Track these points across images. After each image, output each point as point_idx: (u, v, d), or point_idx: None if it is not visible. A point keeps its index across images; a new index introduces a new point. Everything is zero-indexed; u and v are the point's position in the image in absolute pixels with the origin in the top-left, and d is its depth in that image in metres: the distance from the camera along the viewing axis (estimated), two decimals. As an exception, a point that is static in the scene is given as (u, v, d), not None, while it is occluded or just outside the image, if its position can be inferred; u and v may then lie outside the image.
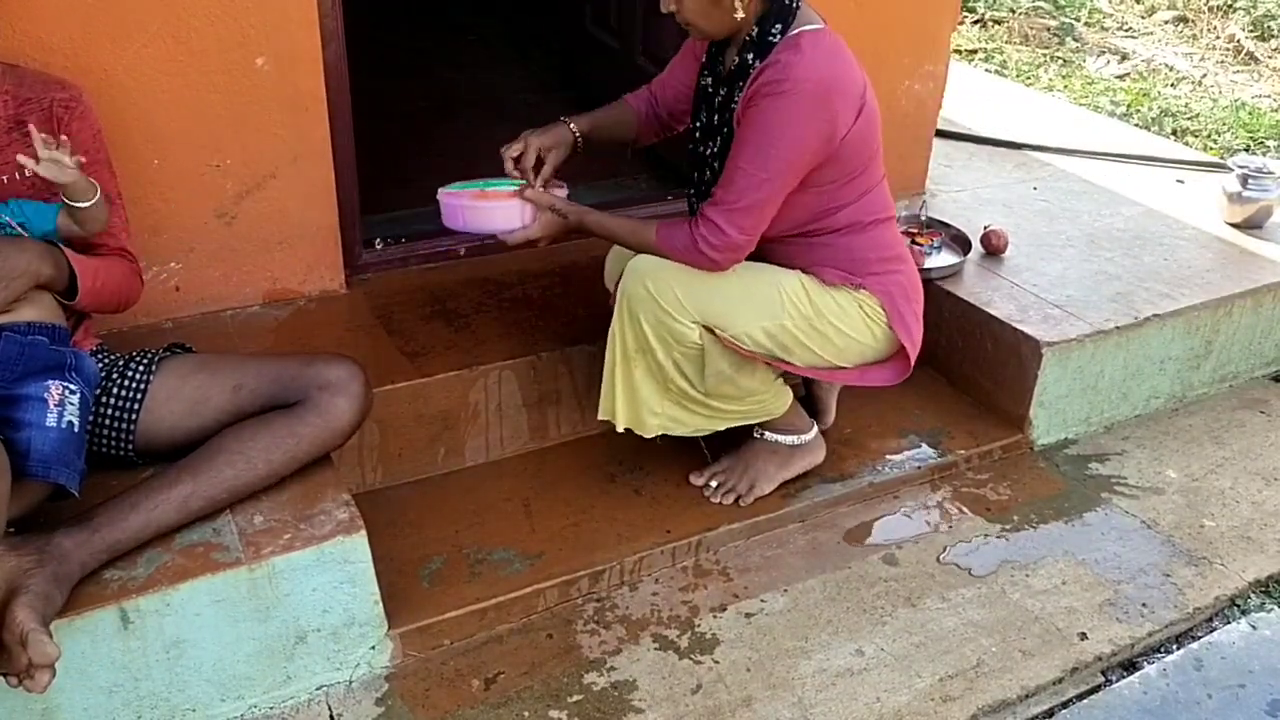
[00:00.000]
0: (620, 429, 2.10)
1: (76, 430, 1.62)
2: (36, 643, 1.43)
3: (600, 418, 2.11)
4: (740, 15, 1.89)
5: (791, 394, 2.22)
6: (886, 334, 2.08)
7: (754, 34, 1.91)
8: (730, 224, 1.89)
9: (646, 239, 1.99)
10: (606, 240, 2.12)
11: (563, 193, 2.11)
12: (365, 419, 1.85)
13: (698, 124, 2.10)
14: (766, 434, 2.24)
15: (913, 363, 2.11)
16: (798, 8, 1.91)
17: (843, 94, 1.87)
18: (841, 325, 2.03)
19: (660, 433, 2.11)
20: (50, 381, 1.61)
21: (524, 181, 2.14)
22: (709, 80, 2.07)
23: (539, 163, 2.09)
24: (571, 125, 2.15)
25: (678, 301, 1.95)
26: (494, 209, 2.04)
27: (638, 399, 2.06)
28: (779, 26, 1.89)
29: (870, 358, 2.11)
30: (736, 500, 2.21)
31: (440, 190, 2.12)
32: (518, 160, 2.08)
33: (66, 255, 1.72)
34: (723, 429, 2.17)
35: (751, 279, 2.00)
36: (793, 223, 1.99)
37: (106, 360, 1.84)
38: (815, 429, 2.29)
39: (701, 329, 1.97)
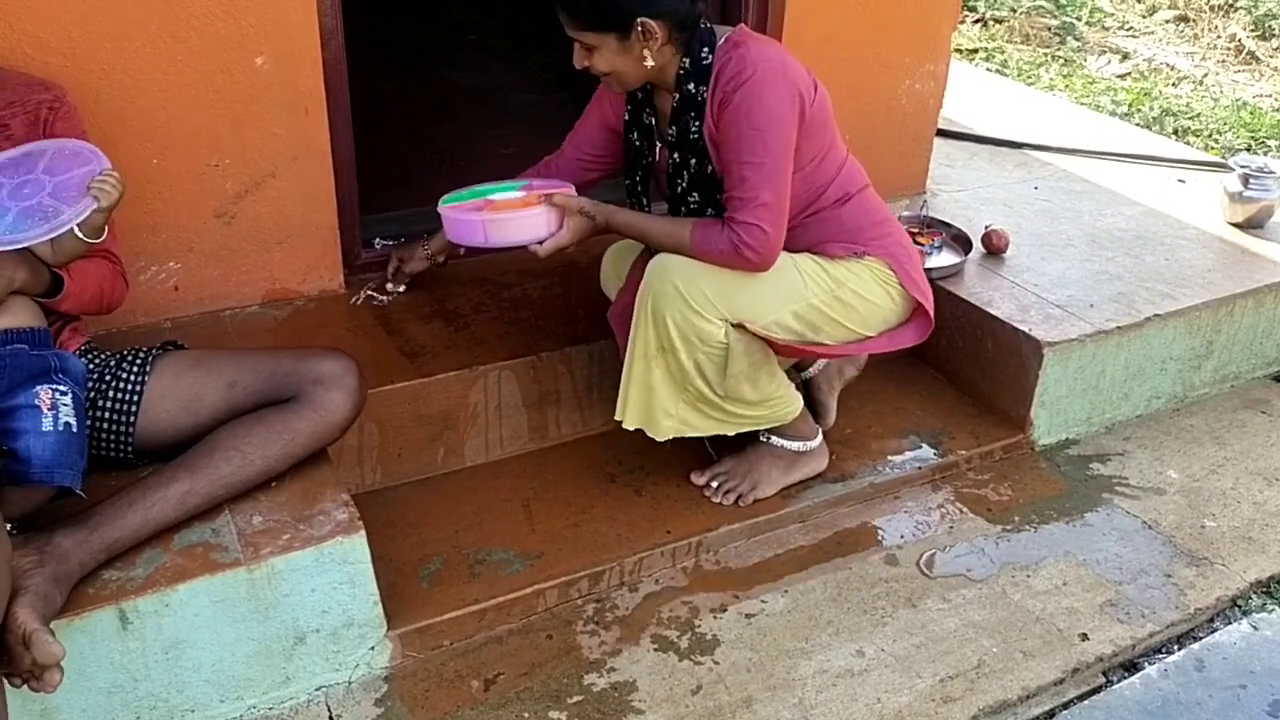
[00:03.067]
0: (630, 428, 2.09)
1: (75, 430, 1.62)
2: (41, 643, 1.42)
3: (615, 417, 2.10)
4: (650, 64, 1.94)
5: (802, 400, 2.21)
6: (901, 294, 2.11)
7: (686, 67, 1.96)
8: (763, 220, 1.90)
9: (681, 241, 1.96)
10: (635, 239, 2.11)
11: (571, 191, 2.09)
12: (360, 413, 1.85)
13: (635, 178, 2.16)
14: (773, 438, 2.23)
15: (931, 315, 2.15)
16: (711, 28, 1.97)
17: (794, 66, 1.95)
18: (860, 290, 2.06)
19: (672, 435, 2.10)
20: (38, 388, 1.60)
21: (526, 182, 2.16)
22: (635, 135, 2.13)
23: (398, 271, 2.45)
24: (426, 244, 2.41)
25: (706, 299, 1.94)
26: (520, 219, 1.97)
27: (654, 400, 2.05)
28: (706, 49, 1.95)
29: (893, 322, 2.14)
30: (736, 501, 2.20)
31: (441, 205, 2.08)
32: (395, 272, 2.45)
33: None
34: (732, 434, 2.17)
35: (771, 269, 2.00)
36: (793, 210, 2.00)
37: (98, 360, 1.83)
38: (820, 436, 2.29)
39: (728, 327, 1.97)
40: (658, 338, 1.99)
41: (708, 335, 1.96)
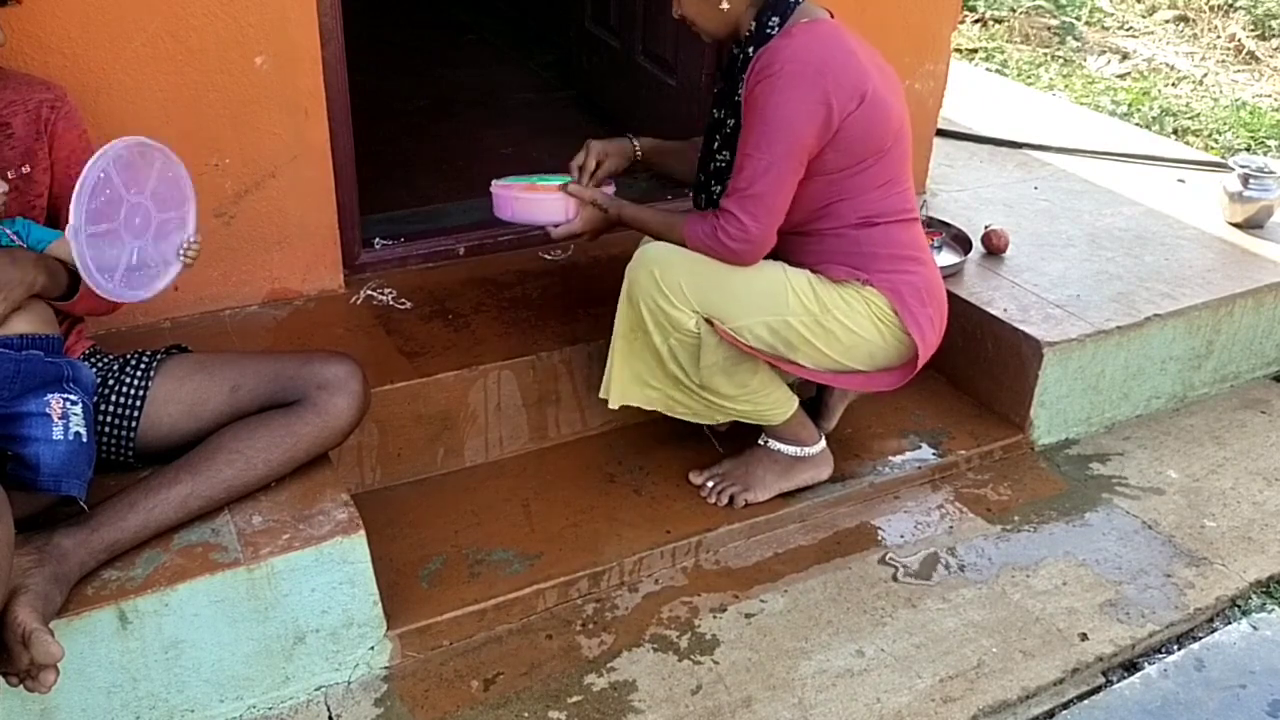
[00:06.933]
0: (614, 405, 2.13)
1: (85, 440, 1.62)
2: (40, 642, 1.42)
3: (600, 396, 2.15)
4: (726, 6, 1.96)
5: (796, 404, 2.18)
6: (897, 335, 2.04)
7: (752, 28, 1.98)
8: (744, 212, 1.92)
9: (675, 229, 2.02)
10: (639, 231, 2.16)
11: (610, 190, 2.18)
12: (364, 417, 1.85)
13: (716, 137, 2.12)
14: (770, 441, 2.23)
15: (918, 367, 2.08)
16: (797, 2, 1.96)
17: (835, 77, 1.89)
18: (848, 322, 2.01)
19: (659, 407, 2.13)
20: (49, 396, 1.60)
21: (572, 178, 2.20)
22: (721, 85, 2.12)
23: (596, 167, 2.19)
24: (634, 140, 2.25)
25: (680, 288, 1.97)
26: (541, 201, 2.15)
27: (637, 372, 2.11)
28: (776, 19, 1.95)
29: (881, 360, 2.07)
30: (730, 502, 2.20)
31: (493, 182, 2.22)
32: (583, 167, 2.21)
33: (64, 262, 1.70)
34: (723, 421, 2.18)
35: (759, 274, 2.00)
36: (806, 212, 1.99)
37: (101, 364, 1.83)
38: (822, 443, 2.25)
39: (700, 319, 1.98)
40: (634, 321, 2.05)
41: (678, 323, 2.00)
